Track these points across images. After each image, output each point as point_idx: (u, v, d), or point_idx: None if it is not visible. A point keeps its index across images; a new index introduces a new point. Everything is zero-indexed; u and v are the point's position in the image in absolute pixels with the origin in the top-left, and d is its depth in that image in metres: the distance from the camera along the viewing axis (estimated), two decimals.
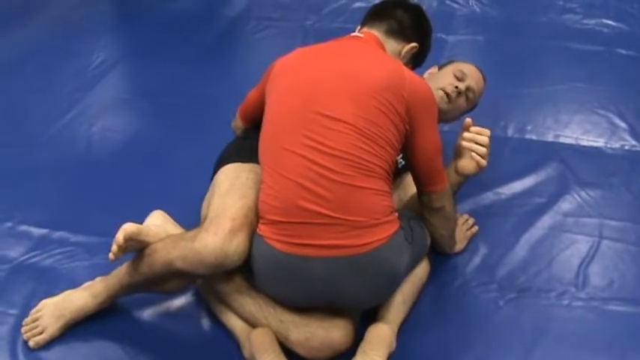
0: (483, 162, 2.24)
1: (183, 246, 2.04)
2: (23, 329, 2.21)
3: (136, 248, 2.14)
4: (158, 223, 2.34)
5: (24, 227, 2.63)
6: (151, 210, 2.55)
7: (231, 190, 2.14)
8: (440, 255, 2.40)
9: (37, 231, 2.61)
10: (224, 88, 3.24)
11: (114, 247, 2.06)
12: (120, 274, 2.20)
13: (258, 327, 2.11)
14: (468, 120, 2.25)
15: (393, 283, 2.10)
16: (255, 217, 2.06)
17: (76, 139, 3.06)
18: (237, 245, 2.00)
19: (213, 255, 1.99)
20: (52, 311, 2.21)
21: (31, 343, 2.18)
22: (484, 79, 2.63)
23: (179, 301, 2.33)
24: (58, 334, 2.20)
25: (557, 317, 2.27)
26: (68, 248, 2.53)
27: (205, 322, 2.28)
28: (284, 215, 1.98)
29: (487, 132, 2.25)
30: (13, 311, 2.31)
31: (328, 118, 2.00)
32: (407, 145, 2.11)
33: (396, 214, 2.06)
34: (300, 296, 2.05)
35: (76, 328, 2.22)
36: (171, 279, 2.16)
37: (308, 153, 1.98)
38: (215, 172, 2.32)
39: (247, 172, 2.20)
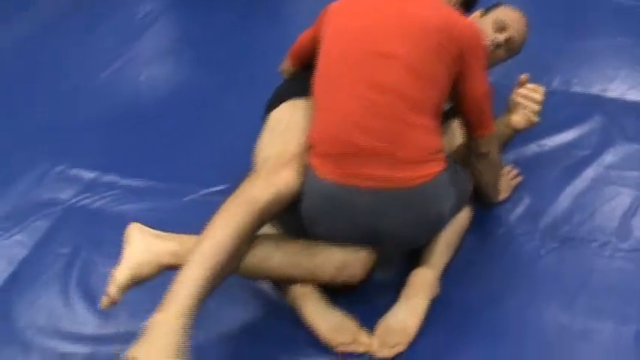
0: (535, 119, 2.27)
1: (267, 186, 1.99)
2: None
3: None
4: (141, 249, 2.00)
5: (75, 171, 2.69)
6: (196, 157, 2.61)
7: (292, 126, 2.17)
8: (484, 204, 2.42)
9: (87, 174, 2.67)
10: (271, 38, 3.25)
11: (105, 300, 1.94)
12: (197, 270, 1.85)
13: None
14: (524, 76, 2.27)
15: (436, 224, 2.13)
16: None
17: (124, 88, 3.10)
18: (301, 179, 2.03)
19: (295, 188, 2.01)
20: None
21: None
22: (527, 25, 2.58)
23: None
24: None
25: (599, 267, 2.28)
26: (117, 191, 2.59)
27: None
28: (334, 147, 2.01)
29: (541, 89, 2.26)
30: (64, 250, 2.39)
31: (382, 56, 2.02)
32: (456, 89, 2.12)
33: (444, 154, 2.08)
34: (344, 231, 2.06)
35: None
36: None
37: (361, 88, 2.01)
38: (268, 112, 2.34)
39: (302, 109, 2.21)
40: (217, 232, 1.90)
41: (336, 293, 2.14)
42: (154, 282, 1.98)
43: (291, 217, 2.09)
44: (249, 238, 1.98)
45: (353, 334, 2.07)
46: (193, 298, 1.79)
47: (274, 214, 2.02)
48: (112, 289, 1.92)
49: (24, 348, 2.13)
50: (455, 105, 2.20)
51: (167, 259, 1.98)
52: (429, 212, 2.05)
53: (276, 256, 2.05)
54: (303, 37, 2.44)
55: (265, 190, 1.97)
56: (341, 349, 2.06)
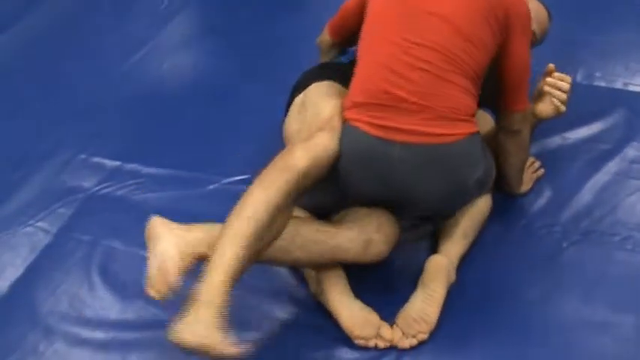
0: (562, 108, 2.26)
1: (306, 151, 1.99)
2: None
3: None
4: (175, 242, 1.91)
5: (97, 159, 2.71)
6: (219, 147, 2.61)
7: (321, 98, 2.18)
8: (505, 196, 2.41)
9: (110, 163, 2.69)
10: (295, 27, 3.23)
11: (162, 294, 1.86)
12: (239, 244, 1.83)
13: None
14: (551, 65, 2.26)
15: (462, 193, 2.13)
16: None
17: (148, 76, 3.12)
18: (337, 140, 2.04)
19: (333, 149, 2.02)
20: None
21: None
22: (549, 16, 2.56)
23: None
24: None
25: (620, 261, 2.26)
26: (140, 180, 2.61)
27: None
28: (370, 97, 2.03)
29: (568, 78, 2.26)
30: (86, 238, 2.41)
31: (428, 14, 2.04)
32: (500, 57, 2.13)
33: (476, 119, 2.10)
34: (376, 186, 2.05)
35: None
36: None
37: (404, 42, 2.03)
38: (292, 97, 2.33)
39: (327, 87, 2.23)
40: (255, 199, 1.87)
41: (356, 283, 2.14)
42: None
43: (319, 192, 2.08)
44: (288, 208, 1.95)
45: (375, 329, 2.07)
46: (234, 270, 1.79)
47: (314, 181, 2.00)
48: (171, 280, 1.83)
49: (46, 333, 2.16)
50: (496, 75, 2.18)
51: (203, 249, 1.89)
52: (458, 172, 2.05)
53: (299, 236, 2.01)
54: (344, 6, 2.43)
55: (304, 157, 1.96)
56: (362, 344, 2.06)
